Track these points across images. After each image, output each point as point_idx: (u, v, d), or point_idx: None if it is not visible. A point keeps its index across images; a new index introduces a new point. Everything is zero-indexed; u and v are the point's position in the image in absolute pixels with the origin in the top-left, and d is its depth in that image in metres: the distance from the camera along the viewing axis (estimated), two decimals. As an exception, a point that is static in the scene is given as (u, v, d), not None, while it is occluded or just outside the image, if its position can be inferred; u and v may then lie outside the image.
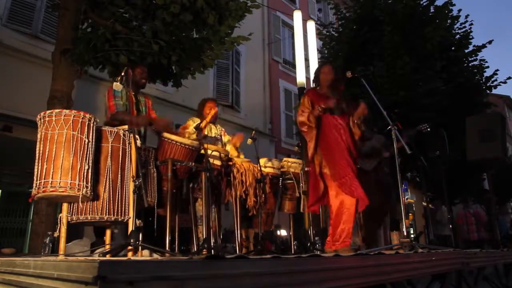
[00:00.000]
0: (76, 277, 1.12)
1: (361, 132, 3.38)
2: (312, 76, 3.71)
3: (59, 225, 2.42)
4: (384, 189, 4.30)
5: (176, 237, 3.12)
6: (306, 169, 4.17)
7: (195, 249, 3.25)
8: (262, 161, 4.06)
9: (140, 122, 3.22)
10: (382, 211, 4.30)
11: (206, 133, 3.99)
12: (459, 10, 8.97)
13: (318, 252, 3.48)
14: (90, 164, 2.40)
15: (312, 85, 3.88)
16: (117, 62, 4.21)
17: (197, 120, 3.91)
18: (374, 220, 4.28)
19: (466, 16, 8.88)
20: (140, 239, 2.39)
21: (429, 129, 4.33)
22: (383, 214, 4.33)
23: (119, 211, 2.55)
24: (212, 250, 2.92)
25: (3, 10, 6.66)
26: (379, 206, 4.26)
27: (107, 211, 2.50)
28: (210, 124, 4.11)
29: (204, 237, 3.10)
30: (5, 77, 6.23)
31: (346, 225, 3.02)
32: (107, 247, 2.59)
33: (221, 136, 4.18)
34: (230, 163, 3.65)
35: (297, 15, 7.43)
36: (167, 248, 2.79)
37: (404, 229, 3.32)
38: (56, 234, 2.43)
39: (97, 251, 2.62)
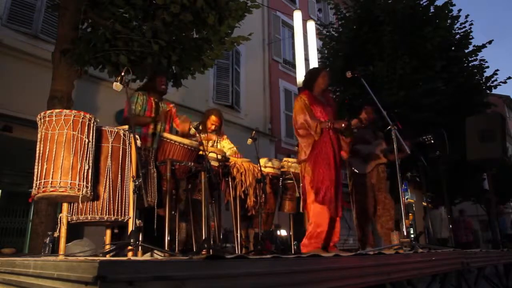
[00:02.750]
0: (76, 277, 1.12)
1: (351, 138, 3.46)
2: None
3: (59, 225, 2.42)
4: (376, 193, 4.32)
5: (176, 237, 3.12)
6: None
7: (195, 249, 3.25)
8: (262, 161, 4.06)
9: (143, 121, 3.49)
10: (371, 213, 4.32)
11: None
12: (459, 10, 8.97)
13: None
14: (90, 164, 2.40)
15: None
16: (117, 62, 4.21)
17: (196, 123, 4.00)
18: (366, 221, 4.29)
19: (466, 16, 8.89)
20: (140, 239, 2.39)
21: (432, 141, 4.30)
22: (373, 216, 4.35)
23: (119, 211, 2.55)
24: (212, 250, 2.92)
25: (3, 10, 6.66)
26: (370, 208, 4.29)
27: (107, 211, 2.51)
28: (210, 133, 4.15)
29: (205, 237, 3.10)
30: (5, 77, 6.23)
31: (316, 229, 3.10)
32: (107, 247, 2.59)
33: (217, 143, 4.20)
34: (228, 163, 3.65)
35: (297, 15, 7.44)
36: (166, 248, 2.79)
37: (404, 229, 3.32)
38: (56, 234, 2.43)
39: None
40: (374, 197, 4.31)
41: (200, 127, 3.39)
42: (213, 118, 4.15)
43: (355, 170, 4.38)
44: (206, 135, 4.07)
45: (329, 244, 3.23)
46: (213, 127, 4.12)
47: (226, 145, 4.19)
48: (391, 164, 4.26)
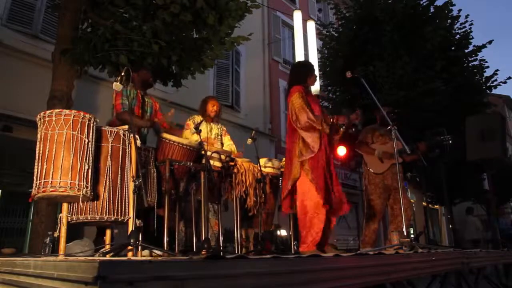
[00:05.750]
0: (76, 277, 1.12)
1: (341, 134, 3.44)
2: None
3: (59, 225, 2.42)
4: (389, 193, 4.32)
5: (176, 237, 3.12)
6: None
7: (195, 249, 3.25)
8: (262, 161, 4.06)
9: (141, 124, 3.37)
10: (382, 214, 4.32)
11: (206, 132, 4.02)
12: (459, 10, 8.98)
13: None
14: (90, 164, 2.41)
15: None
16: (117, 62, 4.21)
17: (198, 118, 3.93)
18: (374, 221, 4.29)
19: (466, 16, 8.89)
20: (140, 239, 2.39)
21: (450, 142, 4.28)
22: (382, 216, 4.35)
23: (119, 211, 2.56)
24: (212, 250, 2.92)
25: (3, 10, 6.65)
26: (380, 209, 4.29)
27: (107, 211, 2.51)
28: (211, 124, 4.14)
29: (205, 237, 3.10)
30: (5, 77, 6.23)
31: (312, 229, 3.07)
32: (107, 247, 2.59)
33: (221, 136, 4.20)
34: (232, 163, 3.65)
35: (297, 15, 7.45)
36: (165, 248, 2.79)
37: (404, 229, 3.32)
38: (56, 234, 2.43)
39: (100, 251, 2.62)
40: (387, 198, 4.30)
41: (200, 127, 3.37)
42: (212, 101, 4.15)
43: (370, 170, 4.37)
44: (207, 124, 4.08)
45: (325, 244, 3.23)
46: (215, 108, 4.11)
47: (226, 141, 4.20)
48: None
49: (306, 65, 3.62)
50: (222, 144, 4.16)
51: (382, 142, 4.40)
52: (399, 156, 4.34)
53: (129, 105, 3.18)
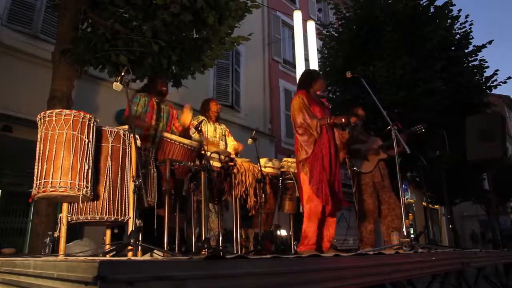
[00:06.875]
0: (76, 277, 1.12)
1: (350, 135, 3.49)
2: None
3: (59, 225, 2.42)
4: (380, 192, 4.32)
5: (176, 237, 3.12)
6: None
7: (195, 249, 3.25)
8: (262, 161, 4.06)
9: (139, 124, 3.54)
10: (376, 213, 4.32)
11: (211, 132, 4.10)
12: (459, 10, 8.96)
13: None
14: (90, 164, 2.40)
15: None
16: (117, 62, 4.21)
17: (202, 118, 4.03)
18: (368, 221, 4.29)
19: (466, 16, 8.88)
20: (140, 239, 2.39)
21: (423, 130, 4.30)
22: (377, 216, 4.35)
23: (119, 211, 2.55)
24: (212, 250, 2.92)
25: (3, 10, 6.66)
26: (373, 208, 4.29)
27: (107, 211, 2.51)
28: (215, 124, 4.18)
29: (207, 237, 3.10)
30: (5, 77, 6.23)
31: (311, 229, 3.15)
32: (107, 247, 2.59)
33: (225, 136, 4.24)
34: (231, 163, 3.65)
35: (297, 15, 7.46)
36: (165, 248, 2.79)
37: (404, 229, 3.32)
38: (56, 234, 2.43)
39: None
40: (377, 197, 4.30)
41: (200, 127, 3.38)
42: (214, 101, 4.33)
43: (357, 170, 4.37)
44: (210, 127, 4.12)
45: (322, 242, 3.26)
46: (218, 107, 4.29)
47: (230, 142, 4.24)
48: (391, 163, 4.25)
49: (310, 72, 3.83)
50: (226, 145, 4.19)
51: (360, 141, 4.43)
52: (382, 152, 4.37)
53: (136, 110, 3.50)
